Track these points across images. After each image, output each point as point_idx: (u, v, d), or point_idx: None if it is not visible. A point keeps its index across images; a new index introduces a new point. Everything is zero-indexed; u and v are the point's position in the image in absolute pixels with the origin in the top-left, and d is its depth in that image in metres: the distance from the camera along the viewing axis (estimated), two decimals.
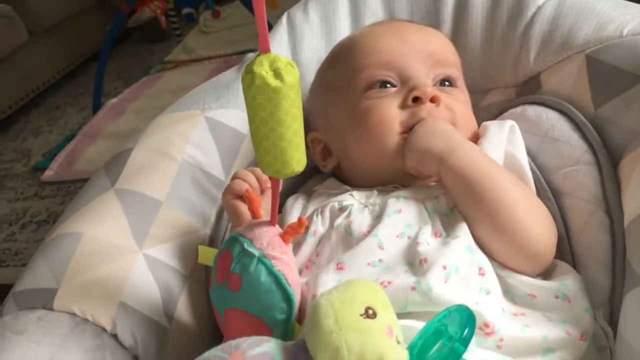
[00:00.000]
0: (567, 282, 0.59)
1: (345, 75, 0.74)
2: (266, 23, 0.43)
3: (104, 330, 0.63)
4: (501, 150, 0.68)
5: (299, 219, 0.54)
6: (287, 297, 0.53)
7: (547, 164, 0.71)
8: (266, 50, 0.44)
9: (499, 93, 0.85)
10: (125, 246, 0.69)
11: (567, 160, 0.68)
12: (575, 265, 0.65)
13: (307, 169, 0.80)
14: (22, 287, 0.66)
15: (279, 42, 0.91)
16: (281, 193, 0.71)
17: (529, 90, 0.81)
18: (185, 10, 2.97)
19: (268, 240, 0.54)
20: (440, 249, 0.58)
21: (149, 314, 0.65)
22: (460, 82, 0.76)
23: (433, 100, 0.68)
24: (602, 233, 0.63)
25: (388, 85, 0.71)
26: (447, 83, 0.73)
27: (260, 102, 0.45)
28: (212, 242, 0.77)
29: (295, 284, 0.54)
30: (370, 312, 0.43)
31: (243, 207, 0.66)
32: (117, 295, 0.64)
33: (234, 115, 0.84)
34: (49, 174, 2.25)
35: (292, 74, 0.45)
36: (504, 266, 0.60)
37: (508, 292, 0.59)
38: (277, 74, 0.44)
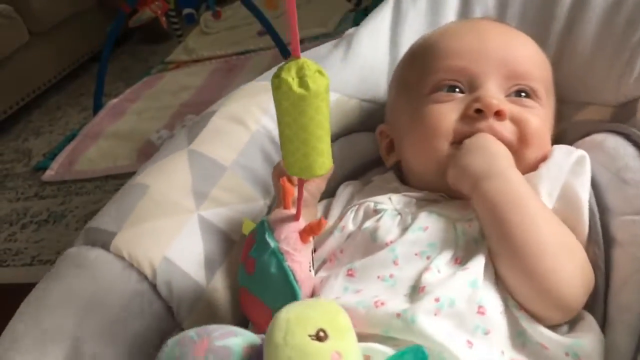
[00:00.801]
0: (584, 341, 0.55)
1: (416, 75, 0.72)
2: (297, 28, 0.44)
3: (146, 278, 0.67)
4: (559, 181, 0.62)
5: (319, 220, 0.56)
6: (293, 292, 0.55)
7: (610, 206, 0.63)
8: (297, 55, 0.45)
9: (595, 110, 0.77)
10: (183, 204, 0.72)
11: (629, 207, 0.62)
12: (604, 321, 0.59)
13: (377, 157, 0.81)
14: (93, 224, 0.71)
15: (381, 18, 0.89)
16: (342, 176, 0.77)
17: (623, 115, 0.73)
18: (186, 11, 2.97)
19: (286, 235, 0.56)
20: (444, 280, 0.56)
21: (188, 272, 0.69)
22: (543, 96, 0.69)
23: (498, 114, 0.64)
24: (639, 297, 0.57)
25: (456, 90, 0.68)
26: (523, 94, 0.68)
27: (285, 107, 0.46)
28: (270, 212, 0.78)
29: (303, 280, 0.56)
30: (322, 334, 0.44)
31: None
32: (164, 249, 0.68)
33: None
34: (49, 174, 2.25)
35: (319, 82, 0.45)
36: (522, 307, 0.56)
37: (520, 335, 0.55)
38: (303, 82, 0.44)
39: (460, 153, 0.63)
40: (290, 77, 0.45)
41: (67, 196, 2.10)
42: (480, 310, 0.54)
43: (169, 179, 0.75)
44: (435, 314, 0.53)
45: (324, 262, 0.66)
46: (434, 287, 0.55)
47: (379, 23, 0.89)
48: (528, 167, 0.64)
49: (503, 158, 0.62)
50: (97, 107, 2.56)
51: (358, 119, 0.85)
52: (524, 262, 0.55)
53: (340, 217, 0.69)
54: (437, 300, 0.53)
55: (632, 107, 0.73)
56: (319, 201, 0.74)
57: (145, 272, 0.67)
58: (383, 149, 0.78)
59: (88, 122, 2.55)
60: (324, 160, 0.49)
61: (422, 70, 0.71)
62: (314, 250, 0.64)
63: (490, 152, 0.62)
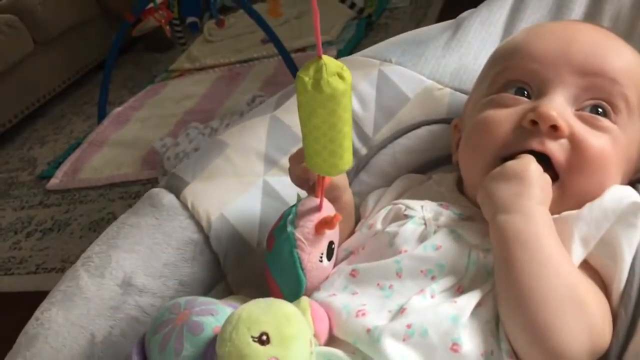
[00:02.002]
0: None
1: (491, 72, 0.68)
2: (319, 29, 0.44)
3: (202, 229, 0.72)
4: (600, 229, 0.55)
5: (335, 215, 0.57)
6: (298, 279, 0.57)
7: None
8: (319, 55, 0.46)
9: None
10: (252, 167, 0.76)
11: None
12: None
13: (451, 153, 0.75)
14: (176, 170, 0.77)
15: (498, 6, 0.85)
16: (412, 167, 0.77)
17: None
18: (190, 20, 2.98)
19: (303, 223, 0.58)
20: (427, 308, 0.53)
21: (241, 231, 0.73)
22: (624, 117, 0.60)
23: (554, 128, 0.57)
24: None
25: (525, 94, 0.62)
26: (600, 110, 0.60)
27: (300, 103, 0.48)
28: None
29: (309, 270, 0.58)
30: (264, 338, 0.45)
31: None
32: (223, 207, 0.73)
33: (408, 77, 0.81)
34: (54, 182, 2.26)
35: (334, 85, 0.45)
36: (514, 354, 0.51)
37: None
38: (316, 84, 0.45)
39: (492, 175, 0.58)
40: (307, 76, 0.45)
41: (72, 204, 2.11)
42: (454, 347, 0.50)
43: (246, 141, 0.78)
44: (404, 340, 0.51)
45: (349, 254, 0.65)
46: (413, 312, 0.53)
47: (495, 11, 0.84)
48: (574, 201, 0.57)
49: (536, 192, 0.55)
50: (102, 115, 2.57)
51: (446, 108, 0.80)
52: (523, 308, 0.50)
53: (379, 212, 0.67)
54: (408, 326, 0.51)
55: None
56: (378, 187, 0.75)
57: (202, 223, 0.72)
58: (454, 143, 0.73)
59: (92, 130, 2.56)
60: (335, 162, 0.50)
61: (497, 68, 0.66)
62: (346, 238, 0.67)
63: (524, 183, 0.55)
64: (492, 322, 0.53)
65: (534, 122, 0.58)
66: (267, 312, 0.47)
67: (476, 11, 0.86)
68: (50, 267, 1.80)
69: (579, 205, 0.57)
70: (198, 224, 0.72)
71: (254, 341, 0.45)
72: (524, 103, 0.61)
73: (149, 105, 2.64)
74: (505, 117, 0.61)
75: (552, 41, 0.63)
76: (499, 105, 0.63)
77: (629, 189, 0.59)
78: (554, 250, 0.53)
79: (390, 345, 0.50)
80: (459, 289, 0.55)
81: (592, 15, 0.81)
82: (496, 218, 0.55)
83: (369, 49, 0.87)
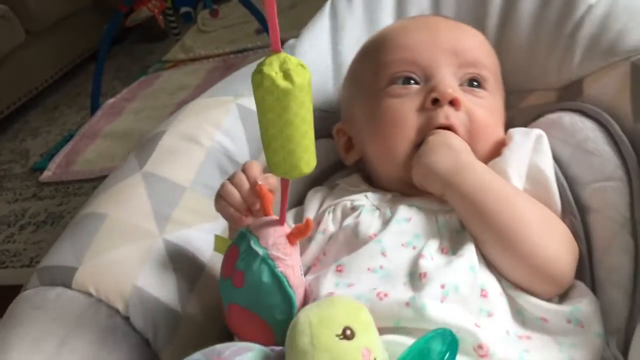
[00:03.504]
0: (581, 306, 0.57)
1: (370, 70, 0.73)
2: (277, 22, 0.43)
3: (118, 311, 0.64)
4: (524, 162, 0.65)
5: (306, 221, 0.54)
6: (288, 299, 0.54)
7: (577, 177, 0.67)
8: (277, 50, 0.44)
9: (540, 95, 0.79)
10: (146, 230, 0.70)
11: (597, 174, 0.64)
12: (594, 287, 0.61)
13: (335, 162, 0.81)
14: (46, 263, 0.67)
15: (320, 28, 0.90)
16: (305, 184, 0.76)
17: (570, 96, 0.76)
18: (183, 10, 2.96)
19: (274, 240, 0.54)
20: (442, 267, 0.57)
21: (162, 299, 0.66)
22: (492, 84, 0.71)
23: (453, 103, 0.66)
24: (625, 257, 0.60)
25: (411, 82, 0.69)
26: (475, 83, 0.70)
27: (269, 103, 0.45)
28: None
29: (297, 285, 0.54)
30: (348, 332, 0.43)
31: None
32: (133, 278, 0.65)
33: None
34: (47, 174, 2.24)
35: (302, 75, 0.44)
36: (516, 286, 0.58)
37: (519, 314, 0.57)
38: (287, 75, 0.44)
39: (423, 152, 0.64)
40: (274, 71, 0.44)
41: (65, 197, 2.10)
42: (483, 294, 0.56)
43: (127, 205, 0.71)
44: (442, 301, 0.54)
45: (308, 269, 0.65)
46: (435, 273, 0.56)
47: (318, 34, 0.90)
48: (481, 159, 0.65)
49: (465, 152, 0.63)
50: (95, 106, 2.55)
51: None
52: (510, 245, 0.57)
53: (318, 220, 0.68)
54: (442, 287, 0.55)
55: (577, 87, 0.75)
56: (288, 209, 0.72)
57: (116, 306, 0.64)
58: (341, 147, 0.77)
59: (86, 122, 2.54)
60: (309, 158, 0.48)
61: (375, 65, 0.72)
62: None
63: (453, 148, 0.63)
64: (489, 267, 0.59)
65: (435, 100, 0.66)
66: (335, 307, 0.45)
67: (301, 39, 0.91)
68: None
69: (486, 162, 0.65)
70: (109, 306, 0.63)
71: (341, 339, 0.42)
72: (415, 90, 0.68)
73: (142, 97, 2.62)
74: (405, 104, 0.67)
75: (420, 33, 0.72)
76: (394, 96, 0.68)
77: (524, 128, 0.70)
78: (509, 187, 0.61)
79: (435, 308, 0.53)
80: (444, 251, 0.60)
81: (400, 19, 0.87)
82: (451, 181, 0.61)
83: (211, 90, 0.87)
